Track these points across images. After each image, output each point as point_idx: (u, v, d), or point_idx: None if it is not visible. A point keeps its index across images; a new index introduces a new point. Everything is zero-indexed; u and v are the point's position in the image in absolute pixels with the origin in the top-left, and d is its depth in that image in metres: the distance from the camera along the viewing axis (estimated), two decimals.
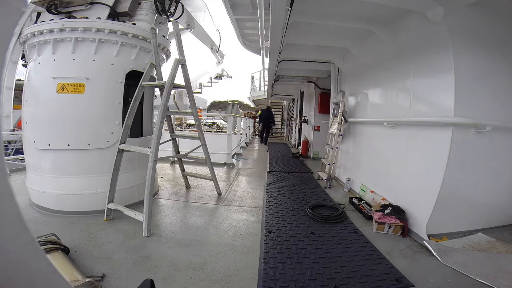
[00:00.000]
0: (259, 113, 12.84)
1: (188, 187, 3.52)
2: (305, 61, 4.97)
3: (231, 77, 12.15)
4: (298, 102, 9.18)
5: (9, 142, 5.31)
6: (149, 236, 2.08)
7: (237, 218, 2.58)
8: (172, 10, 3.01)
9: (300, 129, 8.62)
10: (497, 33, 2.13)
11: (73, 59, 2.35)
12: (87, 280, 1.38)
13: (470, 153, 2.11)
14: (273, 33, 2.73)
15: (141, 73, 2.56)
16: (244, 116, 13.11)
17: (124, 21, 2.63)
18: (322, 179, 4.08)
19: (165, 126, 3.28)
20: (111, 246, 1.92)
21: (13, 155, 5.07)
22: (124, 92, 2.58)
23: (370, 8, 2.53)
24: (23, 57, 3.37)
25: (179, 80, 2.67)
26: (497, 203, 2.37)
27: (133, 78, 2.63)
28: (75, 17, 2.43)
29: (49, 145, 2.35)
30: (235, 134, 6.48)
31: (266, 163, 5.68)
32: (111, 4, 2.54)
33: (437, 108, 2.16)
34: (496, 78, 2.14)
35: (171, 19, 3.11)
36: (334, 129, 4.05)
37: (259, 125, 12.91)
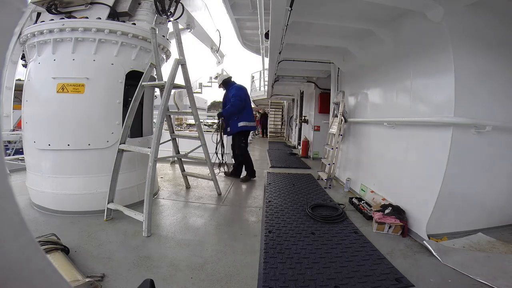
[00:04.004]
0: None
1: (188, 187, 3.52)
2: (305, 61, 4.97)
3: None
4: (298, 102, 9.18)
5: (9, 142, 5.31)
6: (149, 236, 2.08)
7: (237, 218, 2.58)
8: (172, 10, 3.01)
9: (300, 129, 8.63)
10: (497, 33, 2.13)
11: (73, 59, 2.35)
12: (87, 280, 1.38)
13: (470, 153, 2.11)
14: (273, 33, 2.73)
15: (141, 73, 2.57)
16: None
17: (124, 21, 2.63)
18: (322, 179, 4.08)
19: (165, 126, 3.28)
20: (111, 246, 1.92)
21: (13, 155, 5.07)
22: (124, 92, 2.58)
23: (370, 8, 2.53)
24: (23, 57, 3.37)
25: (179, 80, 2.67)
26: (497, 203, 2.37)
27: (133, 78, 2.63)
28: (75, 17, 2.43)
29: (49, 145, 2.35)
30: None
31: (266, 163, 5.68)
32: (111, 4, 2.54)
33: (437, 108, 2.16)
34: (496, 78, 2.14)
35: (171, 19, 3.11)
36: (334, 129, 4.05)
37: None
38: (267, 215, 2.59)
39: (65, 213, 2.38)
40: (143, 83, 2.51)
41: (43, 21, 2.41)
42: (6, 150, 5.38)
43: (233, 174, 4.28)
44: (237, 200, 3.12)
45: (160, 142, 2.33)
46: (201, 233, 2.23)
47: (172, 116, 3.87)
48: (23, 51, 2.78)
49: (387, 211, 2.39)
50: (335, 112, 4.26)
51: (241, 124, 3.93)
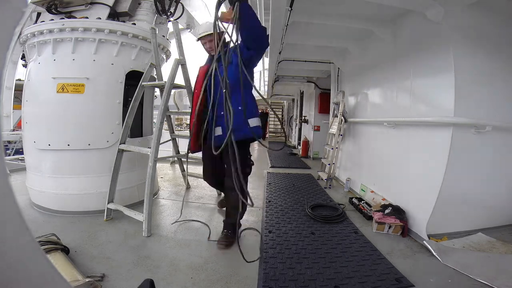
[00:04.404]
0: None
1: (188, 187, 3.52)
2: (305, 61, 4.97)
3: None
4: (298, 102, 9.18)
5: (9, 142, 5.31)
6: (149, 236, 2.08)
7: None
8: (172, 10, 3.01)
9: (300, 129, 8.63)
10: (497, 33, 2.13)
11: (73, 59, 2.35)
12: (87, 280, 1.38)
13: (470, 153, 2.11)
14: (273, 33, 2.73)
15: (141, 73, 2.56)
16: None
17: (124, 21, 2.63)
18: (322, 179, 4.08)
19: (165, 126, 3.28)
20: (111, 246, 1.92)
21: (13, 155, 5.07)
22: (124, 92, 2.58)
23: (370, 8, 2.53)
24: (23, 57, 3.37)
25: (179, 80, 2.67)
26: (497, 203, 2.37)
27: (133, 78, 2.63)
28: (75, 17, 2.43)
29: (49, 145, 2.35)
30: None
31: (266, 163, 5.68)
32: (111, 4, 2.54)
33: (437, 108, 2.16)
34: (496, 78, 2.15)
35: (171, 19, 3.11)
36: (334, 129, 4.05)
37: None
38: (267, 215, 2.59)
39: (65, 213, 2.38)
40: (143, 83, 2.50)
41: (43, 21, 2.41)
42: (6, 150, 5.38)
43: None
44: None
45: (160, 142, 2.33)
46: (201, 233, 2.23)
47: (172, 116, 3.88)
48: (23, 51, 2.78)
49: (387, 211, 2.39)
50: (335, 112, 4.26)
51: (254, 122, 1.87)
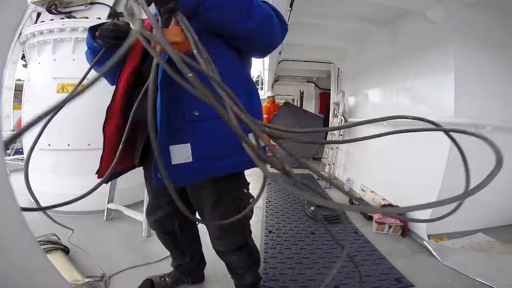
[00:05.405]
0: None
1: None
2: (305, 61, 4.97)
3: None
4: (298, 102, 9.18)
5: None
6: (149, 236, 2.08)
7: None
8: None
9: None
10: (498, 33, 2.13)
11: (73, 59, 2.35)
12: (86, 280, 1.38)
13: (470, 153, 2.08)
14: None
15: None
16: None
17: (124, 21, 2.63)
18: (322, 179, 4.08)
19: None
20: (111, 246, 1.92)
21: (13, 155, 5.07)
22: None
23: (370, 8, 2.53)
24: (23, 57, 3.37)
25: None
26: (497, 203, 2.36)
27: None
28: (75, 17, 2.43)
29: (49, 145, 2.35)
30: None
31: None
32: (111, 4, 2.54)
33: (437, 108, 2.17)
34: (496, 78, 2.14)
35: None
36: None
37: None
38: (267, 215, 2.59)
39: (65, 213, 2.37)
40: None
41: (43, 21, 2.41)
42: (6, 150, 5.38)
43: None
44: None
45: None
46: (200, 233, 2.22)
47: None
48: (23, 51, 2.78)
49: None
50: (335, 112, 4.26)
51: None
